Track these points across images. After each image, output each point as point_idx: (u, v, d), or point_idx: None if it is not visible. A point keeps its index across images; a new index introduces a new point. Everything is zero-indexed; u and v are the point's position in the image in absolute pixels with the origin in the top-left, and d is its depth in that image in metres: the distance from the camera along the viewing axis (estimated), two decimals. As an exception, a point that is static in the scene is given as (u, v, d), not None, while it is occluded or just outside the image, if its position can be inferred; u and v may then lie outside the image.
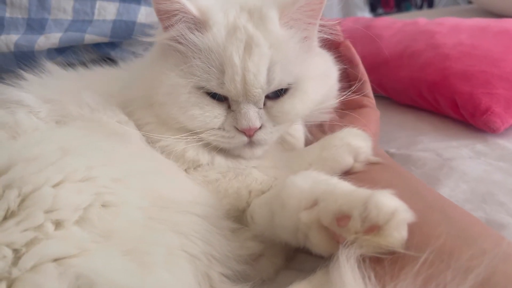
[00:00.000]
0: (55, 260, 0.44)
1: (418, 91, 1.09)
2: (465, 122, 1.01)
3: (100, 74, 0.82)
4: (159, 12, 0.65)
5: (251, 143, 0.67)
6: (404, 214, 0.47)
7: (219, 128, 0.67)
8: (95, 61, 0.88)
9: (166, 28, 0.66)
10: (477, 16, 1.41)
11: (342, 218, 0.48)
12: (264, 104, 0.67)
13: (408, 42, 1.17)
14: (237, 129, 0.66)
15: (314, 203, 0.52)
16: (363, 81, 0.81)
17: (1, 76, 0.95)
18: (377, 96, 0.86)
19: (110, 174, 0.54)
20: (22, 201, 0.48)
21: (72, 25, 0.95)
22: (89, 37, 0.94)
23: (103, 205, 0.50)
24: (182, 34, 0.65)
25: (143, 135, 0.69)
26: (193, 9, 0.64)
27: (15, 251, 0.44)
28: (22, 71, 0.75)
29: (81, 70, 0.81)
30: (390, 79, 1.18)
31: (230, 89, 0.64)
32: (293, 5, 0.66)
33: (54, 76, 0.77)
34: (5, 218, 0.46)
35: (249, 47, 0.64)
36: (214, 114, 0.66)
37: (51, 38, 0.92)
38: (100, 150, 0.59)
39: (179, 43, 0.66)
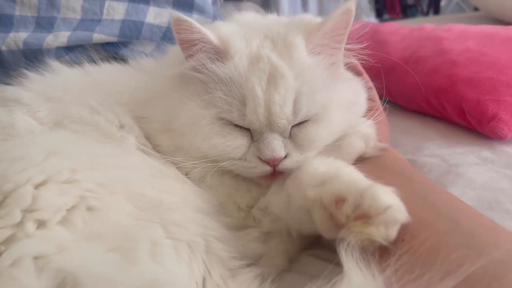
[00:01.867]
0: (35, 257, 0.44)
1: (424, 97, 1.09)
2: (472, 128, 1.00)
3: (110, 71, 0.81)
4: (180, 42, 0.64)
5: (275, 173, 0.64)
6: (398, 213, 0.48)
7: (240, 159, 0.64)
8: (103, 60, 0.88)
9: (187, 58, 0.65)
10: (483, 23, 1.41)
11: (339, 200, 0.52)
12: (289, 133, 0.64)
13: (415, 47, 1.17)
14: (261, 159, 0.63)
15: (322, 184, 0.55)
16: (368, 88, 0.81)
17: (9, 74, 0.96)
18: (383, 101, 0.86)
19: (95, 178, 0.53)
20: (3, 199, 0.47)
21: (80, 24, 0.96)
22: (98, 36, 0.94)
23: (88, 209, 0.50)
24: (202, 64, 0.64)
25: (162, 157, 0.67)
26: (213, 39, 0.63)
27: None
28: (25, 70, 0.75)
29: (88, 67, 0.80)
30: (397, 84, 1.17)
31: (252, 120, 0.62)
32: (319, 30, 0.64)
33: (59, 74, 0.76)
34: None
35: (273, 78, 0.61)
36: (236, 144, 0.63)
37: (60, 37, 0.93)
38: (87, 154, 0.58)
39: (200, 72, 0.64)
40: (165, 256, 0.50)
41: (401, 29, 1.32)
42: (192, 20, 0.61)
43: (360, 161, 0.71)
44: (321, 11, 3.44)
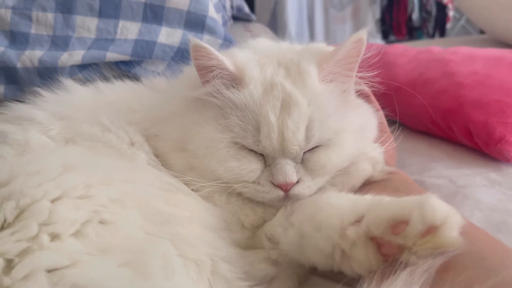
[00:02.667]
0: (49, 271, 0.44)
1: (431, 118, 1.09)
2: (479, 150, 1.00)
3: (122, 89, 0.82)
4: (198, 68, 0.65)
5: (287, 197, 0.65)
6: (457, 217, 0.48)
7: (253, 182, 0.65)
8: (116, 78, 0.89)
9: (203, 83, 0.66)
10: (489, 46, 1.43)
11: (397, 224, 0.50)
12: (301, 158, 0.65)
13: (422, 69, 1.19)
14: (273, 183, 0.63)
15: (361, 217, 0.53)
16: (376, 110, 0.82)
17: (23, 90, 0.98)
18: (390, 122, 0.87)
19: (108, 194, 0.54)
20: (19, 213, 0.48)
21: (95, 43, 0.98)
22: (111, 55, 0.97)
23: (101, 222, 0.51)
24: (218, 90, 0.65)
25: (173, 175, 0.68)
26: (230, 66, 0.64)
27: (8, 260, 0.44)
28: (39, 87, 0.77)
29: (101, 85, 0.82)
30: (404, 105, 1.18)
31: (265, 146, 0.62)
32: (331, 58, 0.65)
33: (71, 93, 0.78)
34: (2, 228, 0.47)
35: (287, 105, 0.63)
36: (250, 168, 0.64)
37: (74, 55, 0.95)
38: (100, 169, 0.59)
39: (216, 98, 0.65)
40: (176, 273, 0.50)
41: (408, 51, 1.33)
42: (210, 47, 0.62)
43: (367, 185, 0.71)
44: (328, 33, 3.49)
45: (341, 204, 0.57)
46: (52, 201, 0.50)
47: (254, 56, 0.70)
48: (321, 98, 0.64)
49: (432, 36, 3.65)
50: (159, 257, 0.50)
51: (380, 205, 0.53)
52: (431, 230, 0.48)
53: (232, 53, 0.71)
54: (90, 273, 0.45)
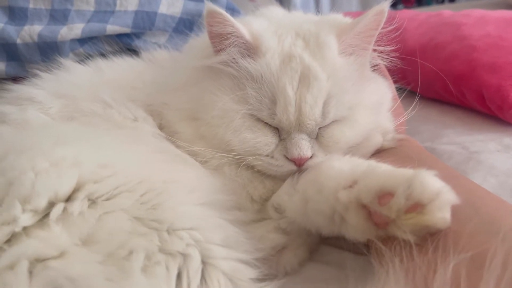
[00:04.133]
0: (35, 259, 0.43)
1: (443, 84, 1.06)
2: (492, 115, 0.98)
3: (122, 66, 0.81)
4: (211, 34, 0.63)
5: (300, 172, 0.63)
6: (449, 195, 0.46)
7: (267, 155, 0.64)
8: (116, 52, 0.88)
9: (217, 51, 0.64)
10: (500, 9, 1.37)
11: (384, 195, 0.48)
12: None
13: (433, 34, 1.15)
14: (287, 158, 0.62)
15: (354, 183, 0.52)
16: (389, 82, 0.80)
17: (24, 67, 0.96)
18: (400, 89, 0.85)
19: (97, 160, 0.52)
20: (8, 188, 0.47)
21: (94, 16, 0.96)
22: (111, 28, 0.94)
23: (89, 199, 0.48)
24: (233, 58, 0.63)
25: (178, 143, 0.66)
26: (246, 34, 0.62)
27: None
28: (40, 63, 0.77)
29: (100, 63, 0.80)
30: (414, 71, 1.15)
31: (281, 119, 0.61)
32: (351, 30, 0.63)
33: (71, 72, 0.77)
34: None
35: (305, 78, 0.61)
36: (266, 141, 0.63)
37: (74, 29, 0.93)
38: (94, 140, 0.57)
39: (231, 67, 0.64)
40: (156, 274, 0.46)
41: (418, 16, 1.29)
42: (226, 13, 0.60)
43: (378, 152, 0.69)
44: (333, 2, 3.40)
45: (341, 167, 0.56)
46: (37, 172, 0.48)
47: (270, 25, 0.68)
48: (340, 72, 0.62)
49: (442, 1, 3.55)
50: (142, 252, 0.46)
51: (373, 173, 0.51)
52: (416, 206, 0.46)
53: (248, 21, 0.68)
54: (72, 268, 0.44)
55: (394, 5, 3.67)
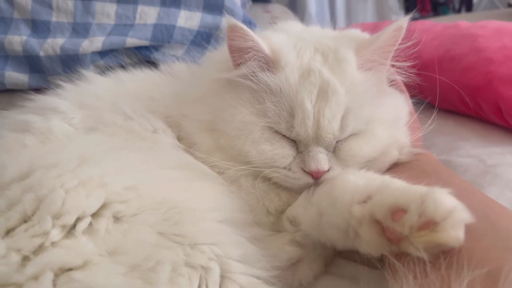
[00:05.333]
0: (59, 269, 0.44)
1: (459, 96, 1.06)
2: (510, 127, 0.97)
3: (141, 78, 0.82)
4: (231, 48, 0.64)
5: (315, 185, 0.63)
6: (463, 214, 0.46)
7: (284, 168, 0.64)
8: (135, 64, 0.90)
9: (237, 65, 0.65)
10: (519, 19, 1.36)
11: (397, 211, 0.48)
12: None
13: (449, 45, 1.14)
14: (304, 170, 0.63)
15: (368, 198, 0.52)
16: (401, 91, 0.80)
17: (46, 79, 0.99)
18: (416, 101, 0.84)
19: (123, 182, 0.54)
20: (38, 205, 0.49)
21: (114, 29, 0.98)
22: (131, 40, 0.97)
23: (114, 217, 0.50)
24: (253, 72, 0.64)
25: (196, 154, 0.67)
26: (265, 48, 0.63)
27: (24, 257, 0.45)
28: (62, 75, 0.78)
29: (121, 75, 0.82)
30: (430, 83, 1.15)
31: (299, 132, 0.62)
32: (370, 46, 0.64)
33: (92, 83, 0.79)
34: (24, 222, 0.48)
35: (324, 92, 0.61)
36: (283, 153, 0.63)
37: (95, 42, 0.96)
38: (118, 159, 0.59)
39: (250, 80, 0.64)
40: (179, 285, 0.47)
41: (434, 27, 1.29)
42: (247, 28, 0.61)
43: (394, 166, 0.69)
44: (349, 13, 3.41)
45: (356, 182, 0.56)
46: (67, 190, 0.50)
47: (289, 40, 0.68)
48: (358, 87, 0.63)
49: (458, 11, 3.53)
50: (168, 264, 0.48)
51: (387, 189, 0.51)
52: (429, 224, 0.46)
53: (267, 35, 0.69)
54: (97, 279, 0.45)
55: (407, 10, 3.67)
